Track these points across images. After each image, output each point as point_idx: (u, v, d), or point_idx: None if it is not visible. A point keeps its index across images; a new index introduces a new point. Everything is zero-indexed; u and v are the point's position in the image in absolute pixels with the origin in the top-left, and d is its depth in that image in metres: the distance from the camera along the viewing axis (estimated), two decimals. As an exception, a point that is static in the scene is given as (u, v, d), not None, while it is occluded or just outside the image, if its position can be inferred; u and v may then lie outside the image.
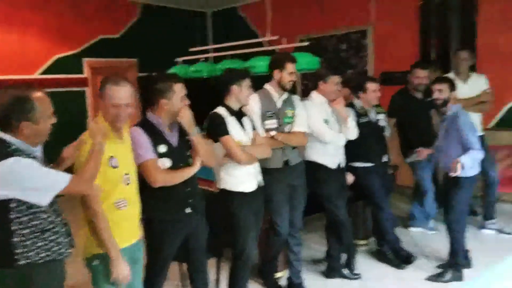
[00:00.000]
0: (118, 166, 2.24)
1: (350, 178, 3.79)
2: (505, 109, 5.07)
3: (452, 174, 3.30)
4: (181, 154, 2.56)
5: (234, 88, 2.92)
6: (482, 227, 4.52)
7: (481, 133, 4.45)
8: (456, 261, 3.56)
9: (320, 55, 5.06)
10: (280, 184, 3.27)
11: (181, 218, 2.56)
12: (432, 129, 4.50)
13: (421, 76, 4.30)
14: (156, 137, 2.49)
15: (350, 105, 3.82)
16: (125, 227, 2.30)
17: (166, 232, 2.54)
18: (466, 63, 4.44)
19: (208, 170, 2.94)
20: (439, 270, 3.65)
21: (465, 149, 3.35)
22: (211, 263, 3.05)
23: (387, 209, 3.84)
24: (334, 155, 3.58)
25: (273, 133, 3.20)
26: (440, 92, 3.50)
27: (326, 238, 3.78)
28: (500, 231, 4.43)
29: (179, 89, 2.52)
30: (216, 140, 2.87)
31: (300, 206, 3.44)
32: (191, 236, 2.65)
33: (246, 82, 2.94)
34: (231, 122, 2.91)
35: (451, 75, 4.48)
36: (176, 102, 2.51)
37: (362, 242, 4.31)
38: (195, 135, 2.58)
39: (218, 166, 2.95)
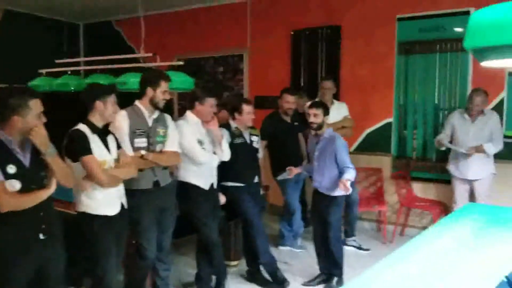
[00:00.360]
0: None
1: (222, 198, 3.80)
2: (363, 135, 5.56)
3: (346, 193, 3.50)
4: (34, 175, 2.32)
5: (98, 104, 2.75)
6: (344, 243, 4.84)
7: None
8: (341, 271, 3.77)
9: (196, 76, 5.06)
10: (149, 206, 3.14)
11: (33, 245, 2.31)
12: (300, 150, 4.78)
13: (290, 101, 4.54)
14: (4, 156, 2.23)
15: (226, 125, 3.86)
16: None
17: (15, 262, 2.25)
18: (330, 92, 4.82)
19: (67, 191, 2.70)
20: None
21: (340, 169, 3.59)
22: (69, 294, 2.79)
23: (260, 227, 3.85)
24: (207, 176, 3.57)
25: (143, 152, 3.08)
26: (315, 116, 3.68)
27: (196, 260, 3.72)
28: (359, 247, 4.78)
29: (35, 106, 2.28)
30: (75, 160, 2.66)
31: (170, 228, 3.34)
32: (46, 265, 2.40)
33: (111, 98, 2.79)
34: (94, 140, 2.72)
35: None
36: (31, 120, 2.27)
37: (233, 263, 4.32)
38: (50, 155, 2.35)
39: (77, 188, 2.73)
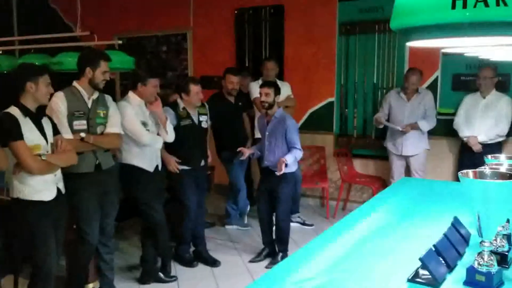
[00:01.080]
0: None
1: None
2: (307, 114, 5.68)
3: (278, 173, 3.57)
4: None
5: (29, 85, 2.62)
6: (288, 220, 4.98)
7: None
8: (286, 247, 3.91)
9: (137, 55, 4.93)
10: (91, 190, 3.07)
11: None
12: (244, 130, 4.81)
13: (234, 81, 4.54)
14: None
15: (173, 106, 3.79)
16: None
17: None
18: (273, 72, 4.86)
19: (1, 177, 2.59)
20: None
21: (289, 148, 3.71)
22: (8, 281, 2.70)
23: (192, 214, 3.85)
24: (152, 158, 3.53)
25: (82, 134, 2.98)
26: (267, 95, 3.74)
27: (141, 242, 3.69)
28: (303, 223, 4.93)
29: None
30: (5, 145, 2.53)
31: (113, 212, 3.29)
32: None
33: (44, 79, 2.66)
34: (25, 124, 2.59)
35: (259, 81, 4.85)
36: None
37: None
38: None
39: (9, 173, 2.61)
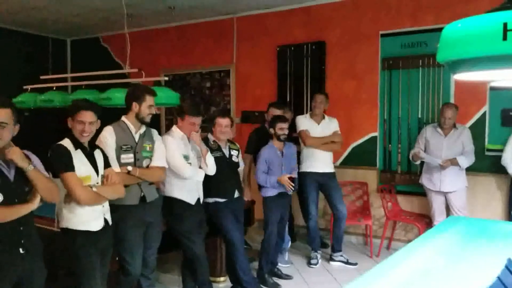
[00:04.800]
0: None
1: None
2: (349, 149, 5.61)
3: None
4: (17, 190, 2.30)
5: (70, 121, 2.72)
6: (331, 259, 4.84)
7: (333, 170, 4.87)
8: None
9: (182, 91, 5.08)
10: (135, 221, 3.12)
11: (12, 260, 2.27)
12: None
13: (276, 114, 4.56)
14: None
15: (204, 140, 3.85)
16: None
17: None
18: (322, 105, 4.86)
19: (50, 207, 2.67)
20: None
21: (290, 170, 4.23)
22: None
23: (239, 246, 3.81)
24: (193, 190, 3.57)
25: (129, 168, 3.07)
26: (282, 130, 4.13)
27: (182, 276, 3.68)
28: (346, 262, 4.77)
29: (4, 116, 2.25)
30: (56, 176, 2.63)
31: (155, 244, 3.32)
32: (24, 280, 2.35)
33: (86, 116, 2.70)
34: (77, 156, 2.69)
35: (307, 115, 4.88)
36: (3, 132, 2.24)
37: (220, 278, 4.28)
38: (30, 170, 2.30)
39: (60, 204, 2.70)
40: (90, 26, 7.04)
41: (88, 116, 2.69)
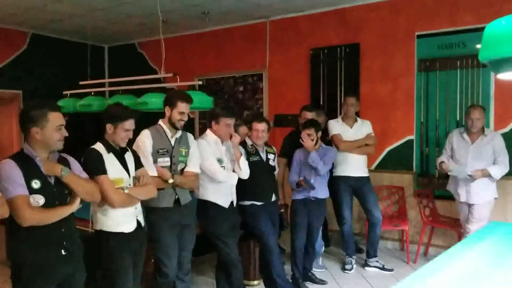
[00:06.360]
0: None
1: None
2: (385, 152, 5.50)
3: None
4: (58, 192, 2.36)
5: (109, 127, 2.79)
6: (366, 264, 4.75)
7: (367, 174, 4.79)
8: None
9: (216, 95, 5.12)
10: (169, 223, 3.17)
11: (55, 261, 2.33)
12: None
13: (309, 117, 4.53)
14: (30, 171, 2.27)
15: (242, 143, 3.87)
16: None
17: (37, 278, 2.28)
18: (353, 108, 4.78)
19: (86, 209, 2.74)
20: None
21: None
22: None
23: (274, 249, 3.80)
24: (227, 194, 3.58)
25: (170, 181, 3.13)
26: (309, 136, 4.01)
27: (215, 279, 3.70)
28: (382, 268, 4.68)
29: (54, 118, 2.32)
30: (90, 178, 2.68)
31: (190, 246, 3.35)
32: (66, 282, 2.42)
33: (123, 124, 2.78)
34: (109, 159, 2.75)
35: (339, 119, 4.81)
36: (49, 132, 2.30)
37: (254, 282, 4.28)
38: (64, 176, 2.36)
39: (94, 206, 2.77)
40: (126, 33, 7.22)
41: (132, 124, 2.82)
